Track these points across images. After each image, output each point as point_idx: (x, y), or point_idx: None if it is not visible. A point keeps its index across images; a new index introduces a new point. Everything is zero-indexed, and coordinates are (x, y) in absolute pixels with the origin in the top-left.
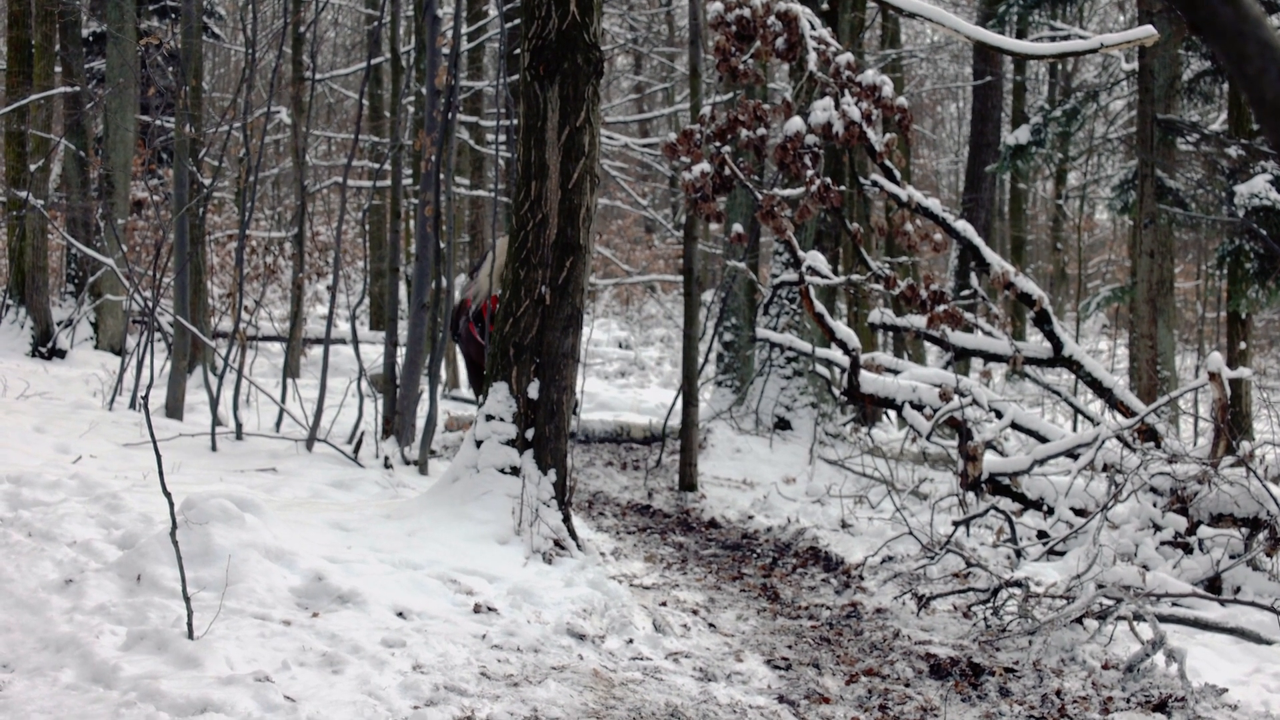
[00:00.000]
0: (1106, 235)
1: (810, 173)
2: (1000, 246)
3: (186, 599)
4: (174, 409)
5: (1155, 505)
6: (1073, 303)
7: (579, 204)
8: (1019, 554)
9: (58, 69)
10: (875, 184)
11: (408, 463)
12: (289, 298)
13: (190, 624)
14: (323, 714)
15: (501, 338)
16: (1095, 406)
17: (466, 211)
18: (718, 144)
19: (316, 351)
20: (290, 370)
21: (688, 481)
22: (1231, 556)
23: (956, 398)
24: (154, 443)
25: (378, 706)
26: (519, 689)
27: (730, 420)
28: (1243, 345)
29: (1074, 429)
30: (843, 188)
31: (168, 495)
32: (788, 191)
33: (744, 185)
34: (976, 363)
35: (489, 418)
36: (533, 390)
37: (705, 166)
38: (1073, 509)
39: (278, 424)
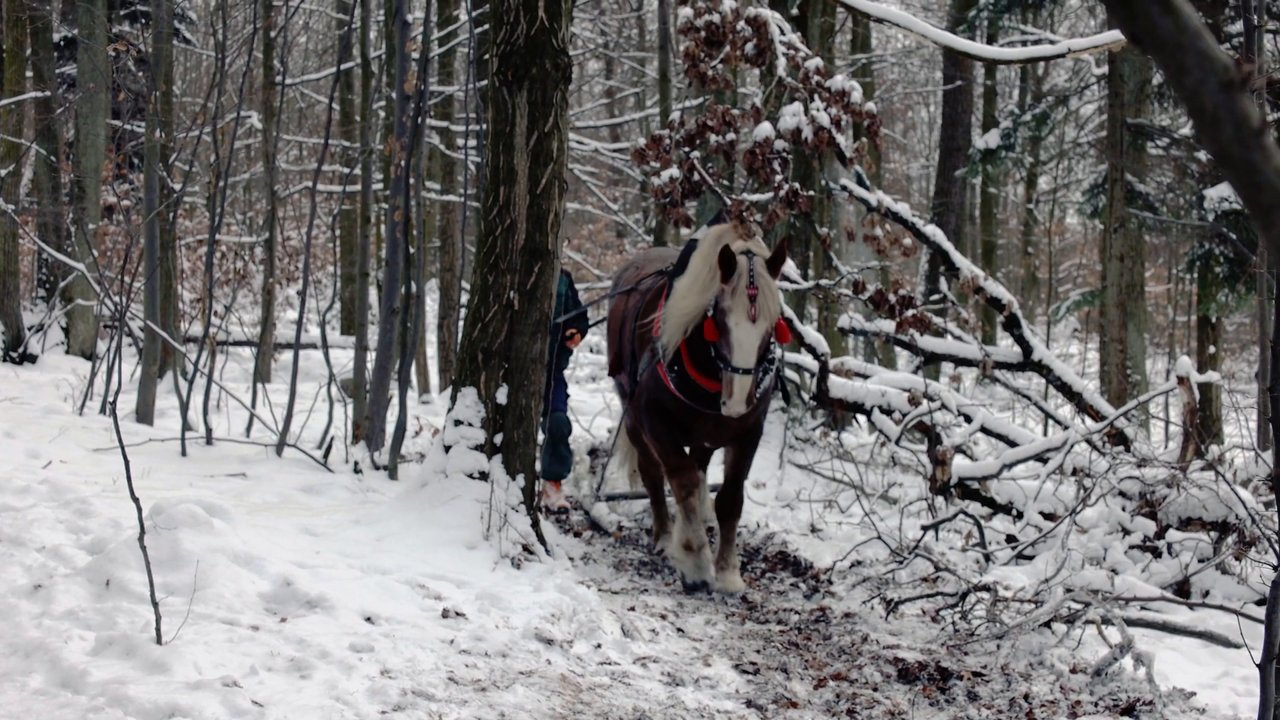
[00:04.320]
0: (1078, 239)
1: (779, 178)
2: (971, 251)
3: (155, 604)
4: (144, 414)
5: (1124, 509)
6: (1044, 307)
7: (547, 209)
8: (988, 558)
9: (28, 74)
10: (845, 189)
11: (378, 468)
12: (260, 302)
13: (159, 629)
14: (290, 719)
15: (470, 342)
16: (1066, 411)
17: (438, 216)
18: (687, 149)
19: (287, 356)
20: (261, 375)
21: None
22: (1200, 560)
23: (925, 402)
24: (122, 448)
25: (345, 711)
26: (486, 694)
27: None
28: (1212, 349)
29: (1045, 433)
30: (812, 192)
31: (136, 501)
32: (756, 196)
33: (713, 190)
34: (948, 367)
35: (457, 423)
36: (501, 395)
37: (674, 172)
38: (1042, 513)
39: (248, 429)
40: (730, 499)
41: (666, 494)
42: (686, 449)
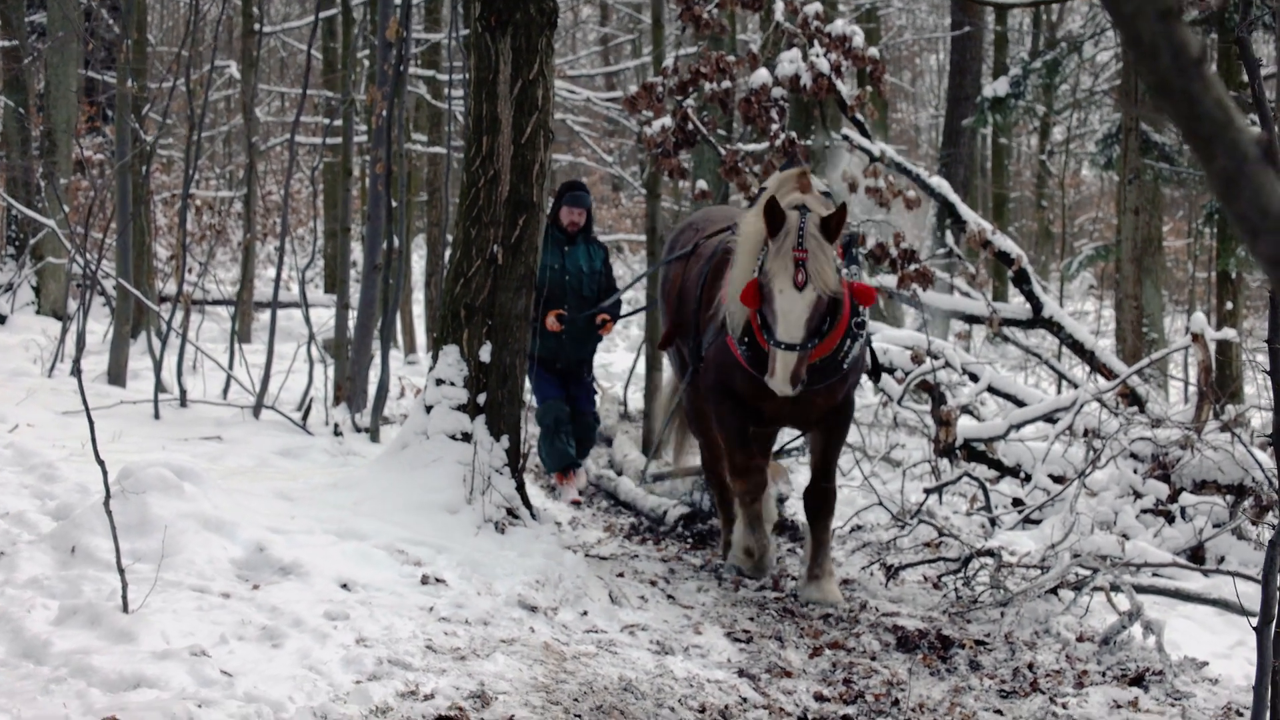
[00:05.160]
0: (1094, 192)
1: (775, 127)
2: (981, 204)
3: (121, 571)
4: (116, 375)
5: (1136, 472)
6: (1058, 263)
7: (532, 160)
8: (993, 523)
9: None
10: (846, 138)
11: (359, 430)
12: (239, 259)
13: (125, 597)
14: (260, 689)
15: (452, 299)
16: (1081, 372)
17: (425, 169)
18: (680, 98)
19: (268, 316)
20: (239, 335)
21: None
22: (1215, 525)
23: (929, 360)
24: (86, 409)
25: (318, 681)
26: (466, 662)
27: None
28: (1231, 305)
29: (1059, 394)
30: (809, 142)
31: (101, 464)
32: (752, 146)
33: (707, 140)
34: (958, 326)
35: (439, 382)
36: (484, 353)
37: (667, 121)
38: (1051, 476)
39: (225, 391)
40: (820, 495)
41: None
42: (752, 449)
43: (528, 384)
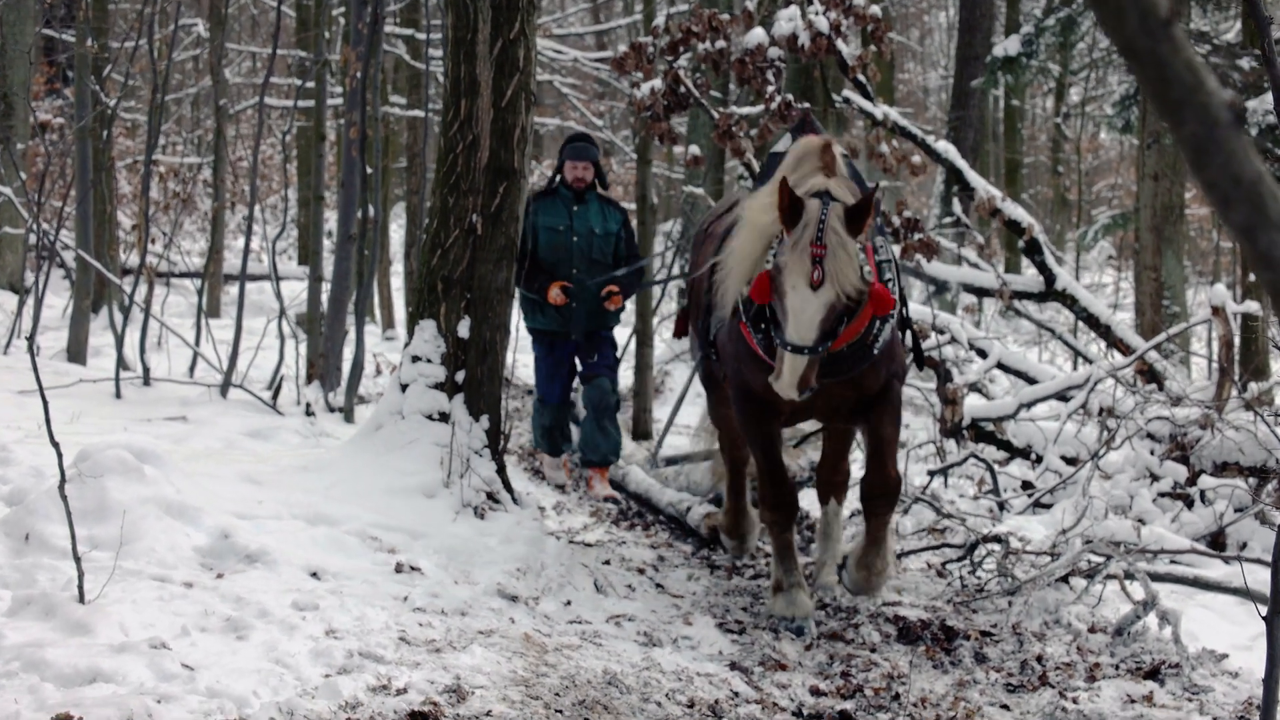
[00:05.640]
0: (1112, 157)
1: (771, 89)
2: (994, 170)
3: (77, 559)
4: (76, 352)
5: (1153, 453)
6: (1074, 231)
7: (513, 124)
8: (1001, 506)
9: None
10: (847, 101)
11: (332, 410)
12: (207, 230)
13: (81, 587)
14: (223, 683)
15: (429, 271)
16: (1098, 348)
17: (404, 134)
18: (671, 58)
19: (237, 289)
20: (206, 309)
21: (641, 429)
22: (1237, 509)
23: (934, 335)
24: (40, 388)
25: (285, 675)
26: (442, 655)
27: (691, 363)
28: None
29: (1075, 371)
30: (807, 104)
31: (55, 445)
32: (747, 110)
33: (699, 103)
34: (966, 299)
35: (415, 359)
36: (463, 329)
37: (657, 83)
38: (1063, 457)
39: (191, 369)
40: (880, 484)
41: (751, 484)
42: (787, 479)
43: (527, 364)
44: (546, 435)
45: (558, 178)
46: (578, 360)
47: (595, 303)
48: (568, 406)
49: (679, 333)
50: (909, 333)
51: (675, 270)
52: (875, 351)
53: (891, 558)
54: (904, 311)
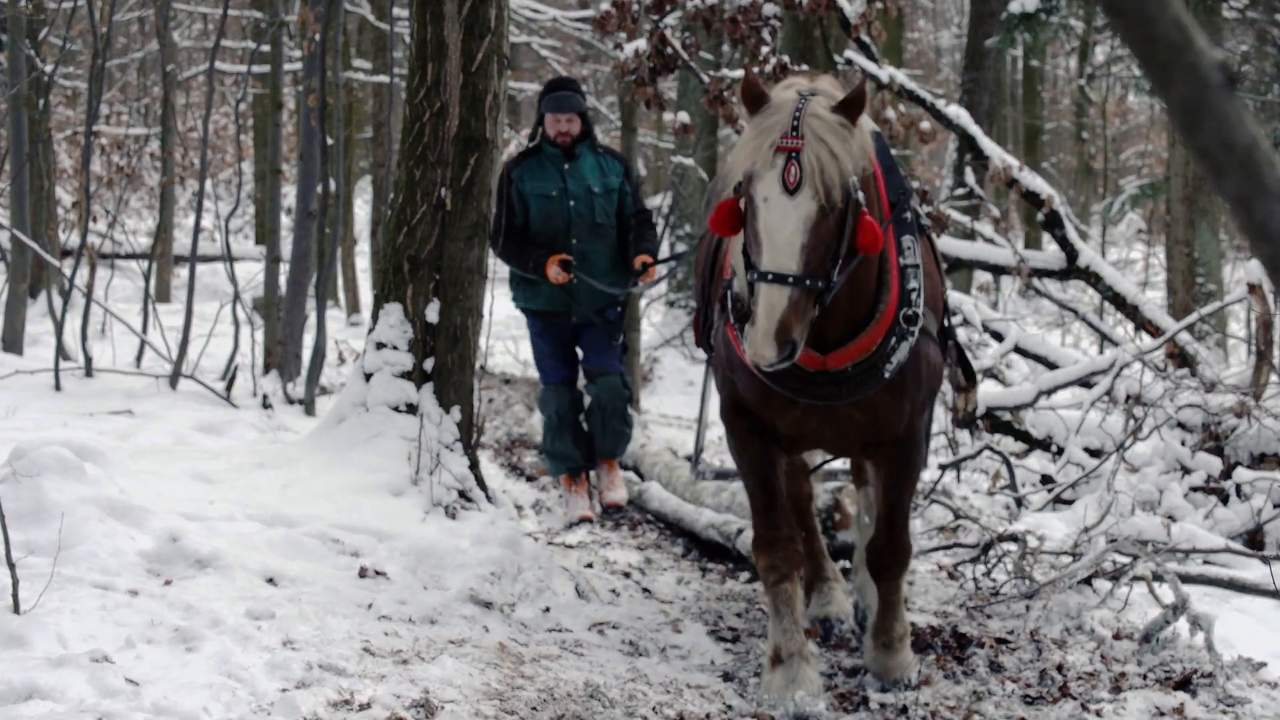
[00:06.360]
0: (1141, 122)
1: (766, 50)
2: (1010, 137)
3: (11, 566)
4: (12, 342)
5: (1184, 443)
6: (1100, 203)
7: (484, 90)
8: (1019, 503)
9: None
10: (850, 63)
11: (291, 401)
12: (155, 207)
13: (16, 596)
14: (171, 699)
15: (395, 250)
16: (1125, 330)
17: (369, 102)
18: (656, 17)
19: (187, 271)
20: (155, 294)
21: None
22: (1276, 505)
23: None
24: None
25: (238, 690)
26: (409, 667)
27: (683, 347)
28: None
29: (1099, 355)
30: (805, 66)
31: None
32: (739, 73)
33: (688, 66)
34: (981, 277)
35: (380, 345)
36: (431, 313)
37: (642, 44)
38: (1086, 449)
39: (138, 358)
40: (886, 545)
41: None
42: (780, 511)
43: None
44: (554, 433)
45: (539, 133)
46: (580, 350)
47: (603, 277)
48: (577, 390)
49: (699, 340)
50: (952, 345)
51: (668, 252)
52: (886, 375)
53: (906, 621)
54: (947, 322)
